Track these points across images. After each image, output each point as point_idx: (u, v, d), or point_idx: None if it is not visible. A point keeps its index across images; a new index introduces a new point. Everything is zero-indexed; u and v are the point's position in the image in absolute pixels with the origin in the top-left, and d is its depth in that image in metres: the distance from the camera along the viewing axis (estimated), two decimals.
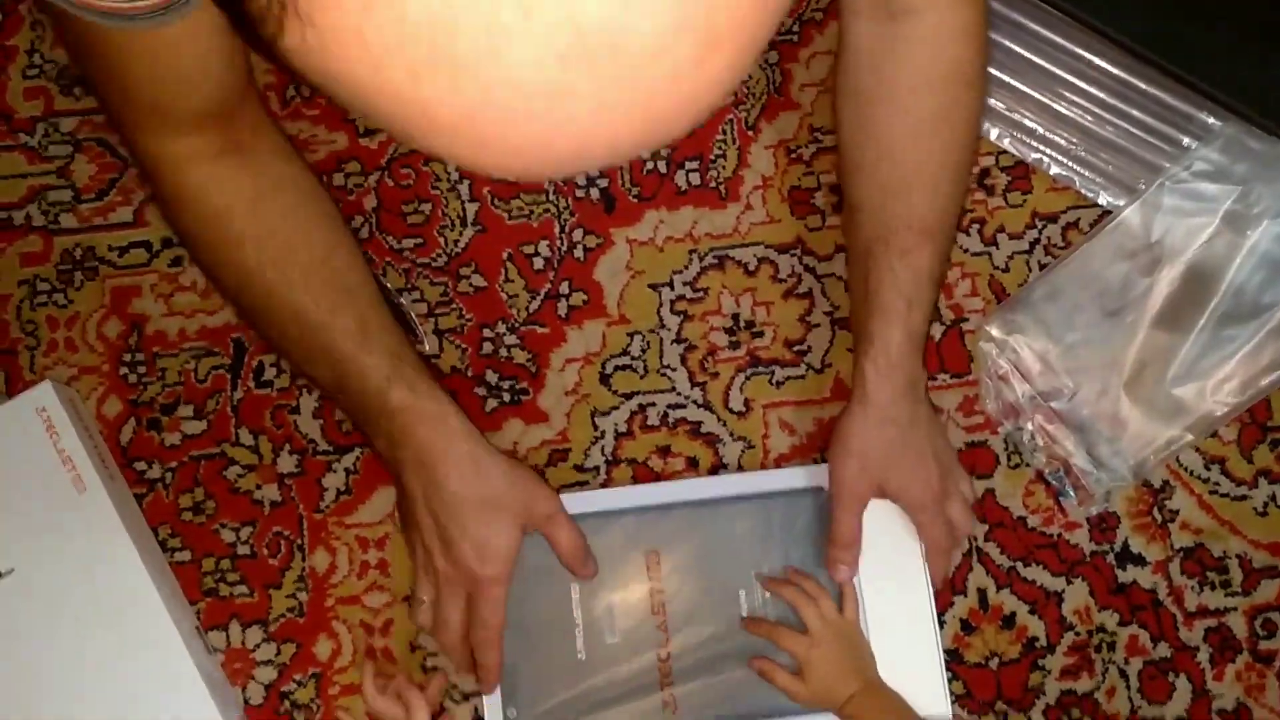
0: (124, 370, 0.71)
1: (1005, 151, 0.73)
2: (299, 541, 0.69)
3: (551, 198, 0.73)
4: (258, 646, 0.68)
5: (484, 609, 0.61)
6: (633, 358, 0.72)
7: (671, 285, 0.72)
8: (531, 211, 0.73)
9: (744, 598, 0.65)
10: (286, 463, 0.70)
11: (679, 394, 0.71)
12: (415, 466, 0.60)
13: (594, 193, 0.73)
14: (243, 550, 0.69)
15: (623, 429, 0.71)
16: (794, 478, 0.68)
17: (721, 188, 0.73)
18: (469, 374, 0.71)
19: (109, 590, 0.63)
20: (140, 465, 0.70)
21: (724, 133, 0.74)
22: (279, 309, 0.58)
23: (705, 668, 0.65)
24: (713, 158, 0.73)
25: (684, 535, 0.66)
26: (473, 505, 0.60)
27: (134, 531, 0.65)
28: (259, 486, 0.70)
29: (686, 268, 0.72)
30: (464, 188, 0.73)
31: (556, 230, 0.73)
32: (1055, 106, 0.72)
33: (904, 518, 0.65)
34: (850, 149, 0.62)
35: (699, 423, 0.71)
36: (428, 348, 0.71)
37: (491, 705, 0.64)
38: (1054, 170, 0.73)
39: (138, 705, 0.63)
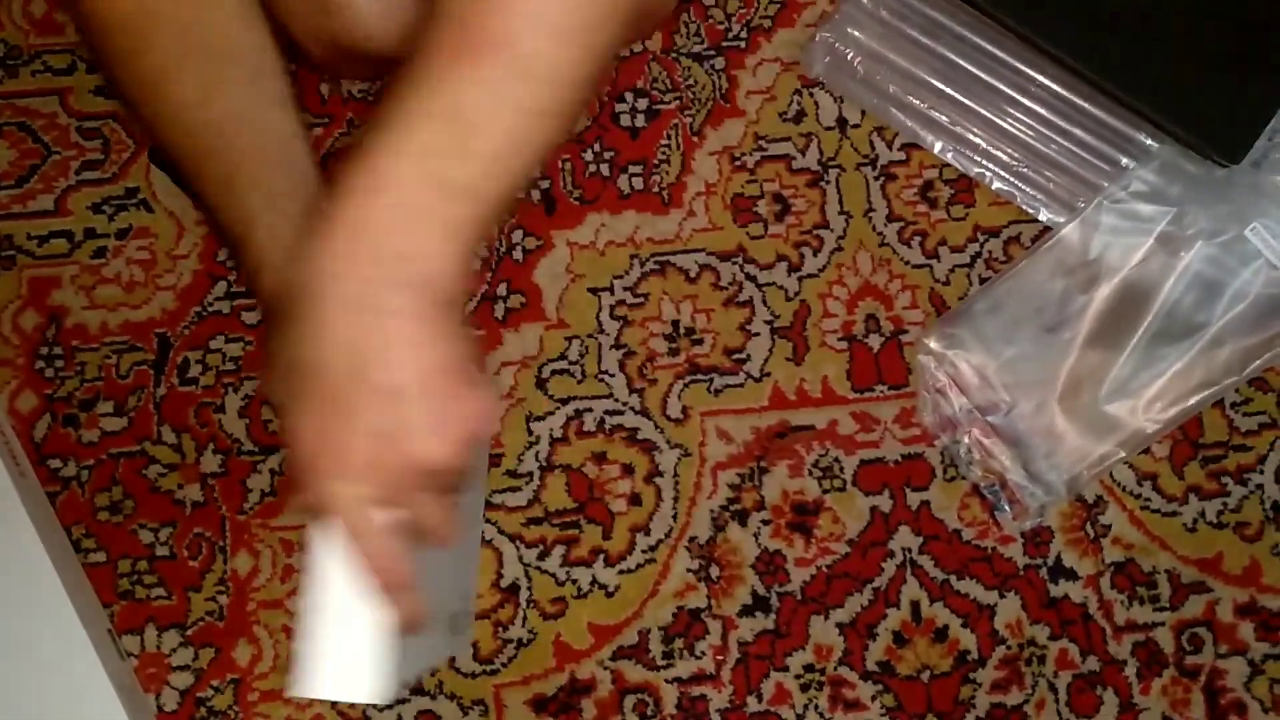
0: (40, 364, 0.68)
1: (949, 165, 0.73)
2: (221, 543, 0.67)
3: None
4: (174, 651, 0.66)
5: None
6: (570, 362, 0.70)
7: (612, 290, 0.71)
8: None
9: None
10: (210, 462, 0.68)
11: (616, 400, 0.70)
12: None
13: (535, 194, 0.72)
14: (161, 551, 0.67)
15: (558, 434, 0.70)
16: None
17: (665, 193, 0.73)
18: None
19: (15, 593, 0.61)
20: (55, 463, 0.67)
21: (668, 138, 0.73)
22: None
23: None
24: (656, 162, 0.73)
25: None
26: None
27: (45, 531, 0.63)
28: (180, 486, 0.67)
29: (627, 273, 0.72)
30: None
31: (495, 230, 0.72)
32: (999, 122, 0.73)
33: None
34: None
35: (636, 429, 0.70)
36: None
37: None
38: (996, 185, 0.73)
39: (44, 712, 0.61)
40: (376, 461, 0.38)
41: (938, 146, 0.73)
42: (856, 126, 0.74)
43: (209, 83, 0.52)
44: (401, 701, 0.66)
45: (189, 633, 0.66)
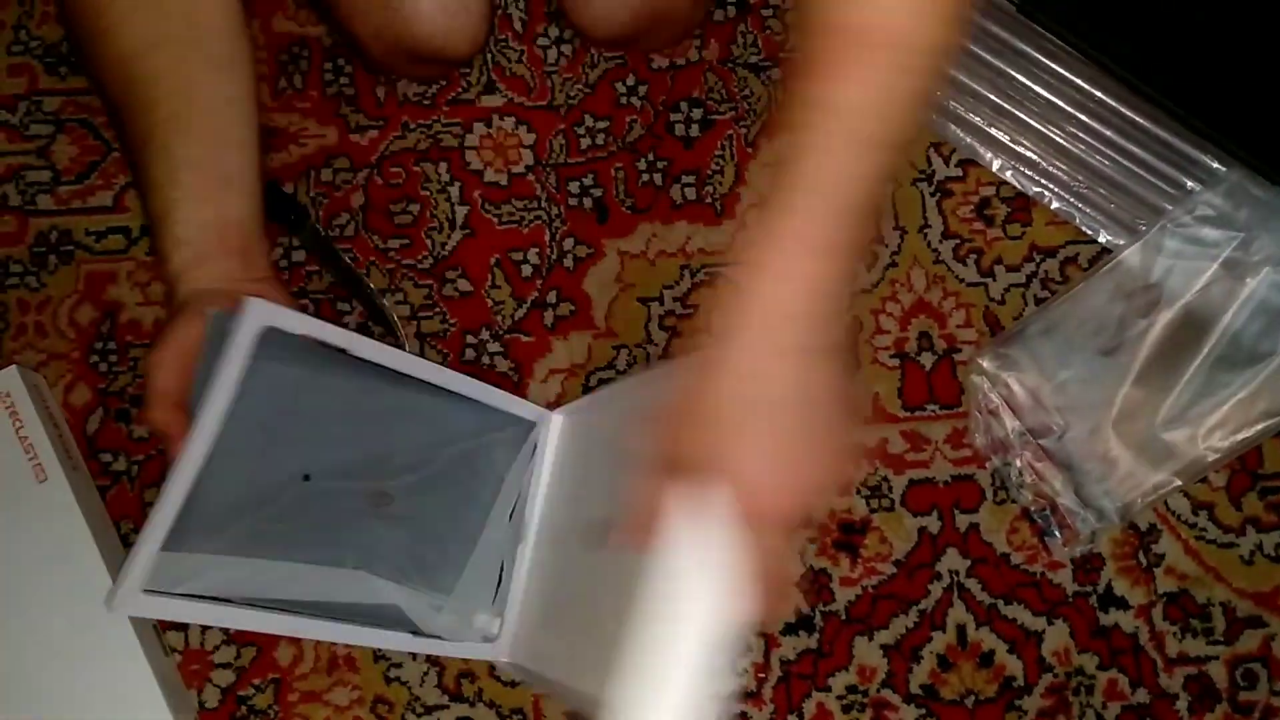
0: (94, 358, 0.69)
1: (1006, 183, 0.72)
2: None
3: (543, 205, 0.72)
4: (217, 649, 0.66)
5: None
6: (618, 371, 0.70)
7: (661, 300, 0.71)
8: (522, 218, 0.72)
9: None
10: None
11: None
12: None
13: (587, 202, 0.72)
14: None
15: None
16: (520, 408, 0.61)
17: (717, 204, 0.72)
18: None
19: (65, 585, 0.61)
20: (106, 456, 0.68)
21: (722, 148, 0.73)
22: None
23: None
24: (710, 173, 0.72)
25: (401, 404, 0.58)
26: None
27: (94, 525, 0.63)
28: None
29: (678, 283, 0.71)
30: (454, 190, 0.72)
31: (547, 238, 0.71)
32: (1058, 140, 0.71)
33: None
34: None
35: None
36: (408, 350, 0.69)
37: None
38: (1054, 204, 0.72)
39: (89, 705, 0.61)
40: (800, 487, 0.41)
41: (996, 164, 0.72)
42: (914, 141, 0.73)
43: (151, 39, 0.50)
44: (441, 708, 0.66)
45: (231, 631, 0.66)
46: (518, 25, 0.74)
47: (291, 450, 0.54)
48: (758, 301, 0.40)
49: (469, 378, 0.59)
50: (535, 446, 0.62)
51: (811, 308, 0.40)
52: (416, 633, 0.58)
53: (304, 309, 0.69)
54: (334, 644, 0.66)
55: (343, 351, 0.54)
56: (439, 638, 0.58)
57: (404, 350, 0.68)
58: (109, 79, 0.50)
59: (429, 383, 0.58)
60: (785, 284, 0.40)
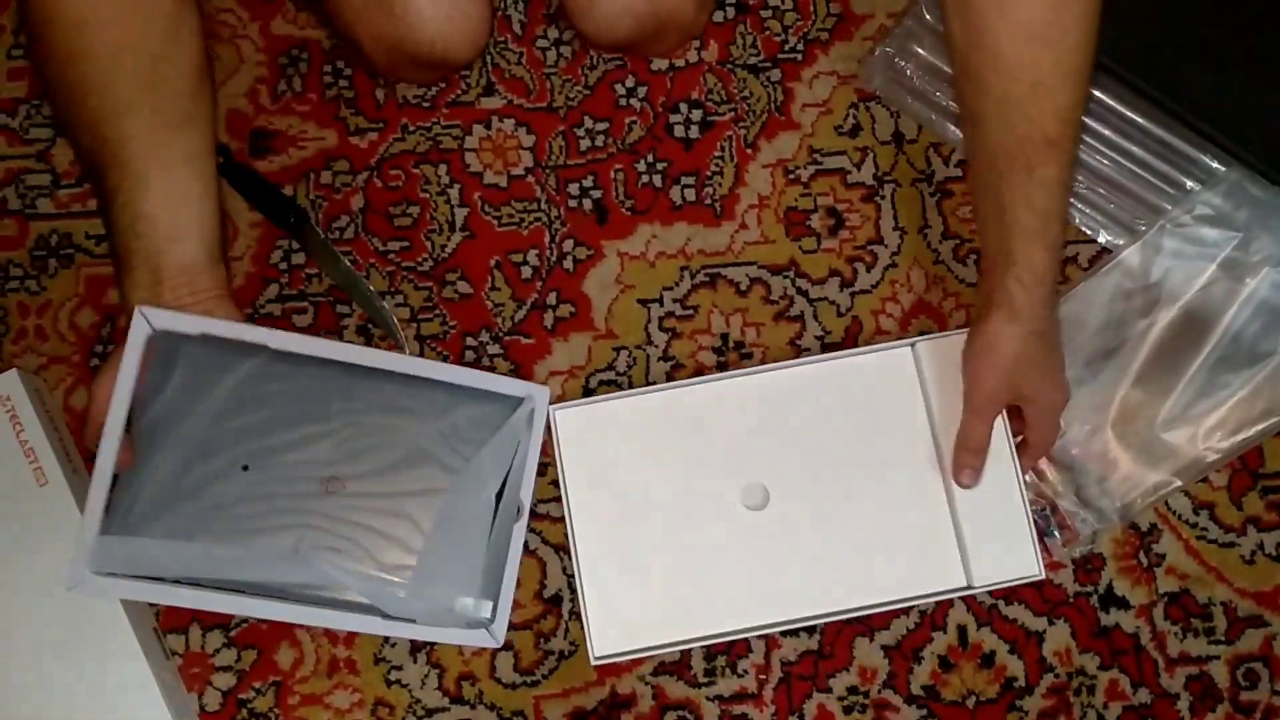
0: (95, 361, 0.69)
1: None
2: None
3: (543, 206, 0.72)
4: (217, 651, 0.66)
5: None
6: (618, 373, 0.70)
7: (661, 301, 0.71)
8: (522, 219, 0.72)
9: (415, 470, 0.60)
10: None
11: None
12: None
13: (587, 203, 0.72)
14: None
15: None
16: (507, 385, 0.60)
17: (717, 205, 0.72)
18: None
19: (63, 589, 0.61)
20: None
21: (722, 150, 0.73)
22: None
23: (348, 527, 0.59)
24: (709, 174, 0.72)
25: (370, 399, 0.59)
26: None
27: None
28: None
29: (677, 284, 0.71)
30: (454, 192, 0.72)
31: (547, 240, 0.71)
32: None
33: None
34: (962, 59, 0.59)
35: None
36: (408, 352, 0.69)
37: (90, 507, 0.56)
38: None
39: (90, 708, 0.61)
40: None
41: None
42: (913, 142, 0.73)
43: (123, 104, 0.55)
44: (441, 710, 0.66)
45: (232, 634, 0.66)
46: (517, 27, 0.74)
47: (226, 442, 0.58)
48: (1026, 295, 0.59)
49: (435, 362, 0.59)
50: (529, 423, 0.60)
51: (1052, 301, 0.60)
52: (390, 618, 0.57)
53: (302, 311, 0.70)
54: (333, 648, 0.66)
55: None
56: (414, 621, 0.57)
57: (404, 351, 0.69)
58: (85, 138, 0.56)
59: (387, 370, 0.58)
60: (1041, 287, 0.59)
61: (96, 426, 0.56)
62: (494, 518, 0.59)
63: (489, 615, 0.58)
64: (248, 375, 0.58)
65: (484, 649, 0.67)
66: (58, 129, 0.71)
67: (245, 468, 0.58)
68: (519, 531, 0.60)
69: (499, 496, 0.59)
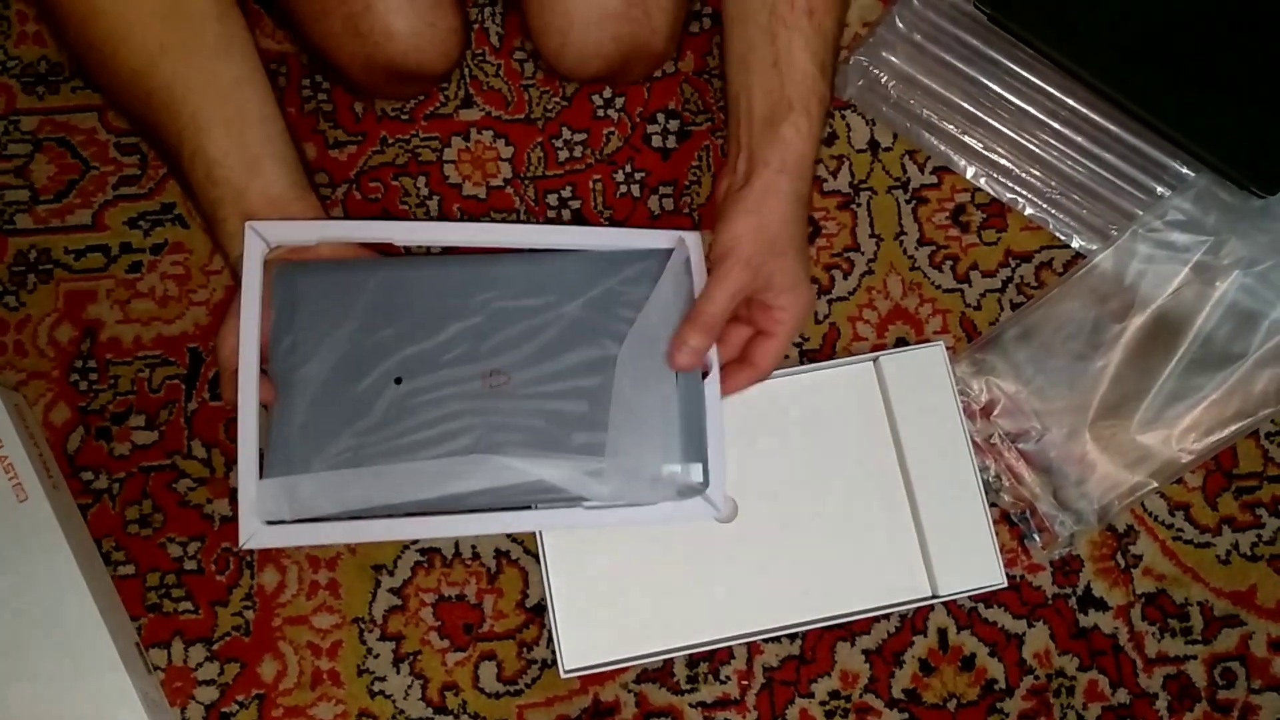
0: (74, 377, 0.69)
1: (980, 190, 0.73)
2: (248, 558, 0.67)
3: (523, 217, 0.72)
4: (200, 665, 0.66)
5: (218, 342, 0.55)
6: None
7: None
8: None
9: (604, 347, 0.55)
10: None
11: None
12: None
13: (566, 213, 0.72)
14: (190, 566, 0.67)
15: None
16: (651, 238, 0.58)
17: (695, 214, 0.73)
18: None
19: (46, 604, 0.61)
20: (87, 475, 0.68)
21: (699, 159, 0.73)
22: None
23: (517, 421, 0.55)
24: (687, 184, 0.73)
25: (518, 279, 0.56)
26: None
27: (75, 544, 0.63)
28: (210, 500, 0.68)
29: None
30: (433, 203, 0.72)
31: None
32: (1031, 147, 0.72)
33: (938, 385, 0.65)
34: None
35: None
36: None
37: (244, 469, 0.53)
38: (1028, 210, 0.73)
39: None
40: None
41: (970, 171, 0.73)
42: (888, 150, 0.74)
43: (153, 50, 0.52)
44: None
45: (215, 647, 0.66)
46: (494, 40, 0.74)
47: (371, 359, 0.53)
48: (801, 145, 0.56)
49: (573, 228, 0.55)
50: (687, 270, 0.57)
51: (814, 166, 0.58)
52: (592, 507, 0.53)
53: None
54: (316, 660, 0.66)
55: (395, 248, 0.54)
56: (619, 506, 0.53)
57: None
58: (128, 100, 0.53)
59: (520, 250, 0.55)
60: (813, 140, 0.56)
61: (230, 374, 0.52)
62: (677, 377, 0.55)
63: (701, 479, 0.53)
64: (375, 290, 0.54)
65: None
66: (36, 144, 0.71)
67: (398, 380, 0.53)
68: (711, 388, 0.55)
69: None
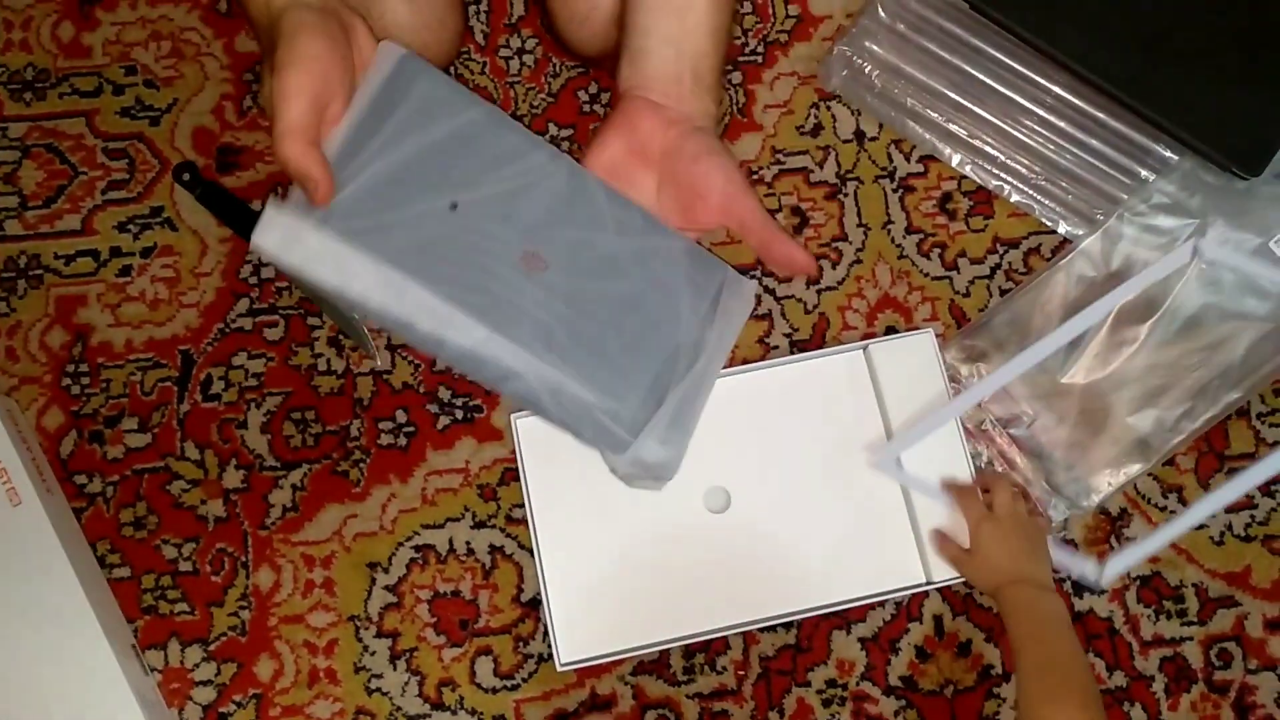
0: (66, 381, 0.69)
1: (967, 177, 0.73)
2: (243, 559, 0.67)
3: None
4: (197, 666, 0.66)
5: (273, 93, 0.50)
6: None
7: None
8: None
9: None
10: (232, 478, 0.68)
11: None
12: None
13: None
14: (185, 567, 0.67)
15: None
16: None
17: None
18: (421, 390, 0.69)
19: (42, 607, 0.61)
20: (80, 479, 0.68)
21: None
22: None
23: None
24: None
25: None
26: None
27: (70, 547, 0.63)
28: (203, 502, 0.68)
29: None
30: None
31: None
32: (1016, 134, 0.73)
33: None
34: None
35: None
36: (379, 363, 0.69)
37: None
38: (1014, 197, 0.73)
39: None
40: None
41: (955, 159, 0.73)
42: (874, 139, 0.74)
43: None
44: (423, 717, 0.66)
45: (211, 648, 0.66)
46: (480, 37, 0.75)
47: (437, 175, 0.52)
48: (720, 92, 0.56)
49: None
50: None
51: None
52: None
53: (274, 325, 0.70)
54: (313, 658, 0.66)
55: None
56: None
57: (375, 362, 0.69)
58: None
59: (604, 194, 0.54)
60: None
61: (298, 149, 0.47)
62: (683, 359, 0.54)
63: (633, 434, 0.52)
64: (468, 123, 0.52)
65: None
66: (24, 151, 0.71)
67: (454, 206, 0.52)
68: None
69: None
